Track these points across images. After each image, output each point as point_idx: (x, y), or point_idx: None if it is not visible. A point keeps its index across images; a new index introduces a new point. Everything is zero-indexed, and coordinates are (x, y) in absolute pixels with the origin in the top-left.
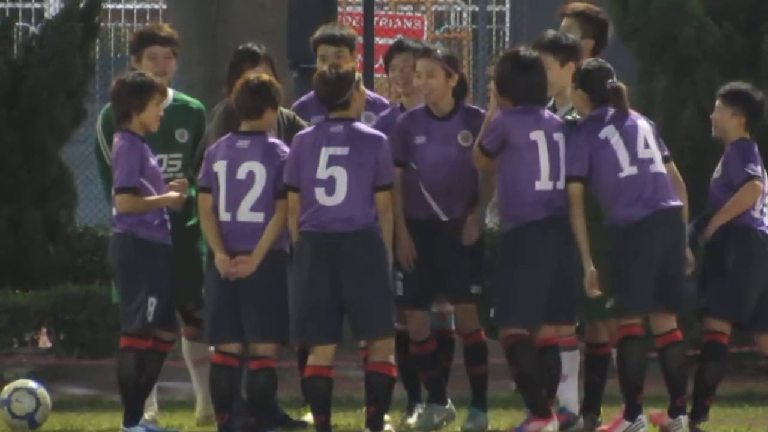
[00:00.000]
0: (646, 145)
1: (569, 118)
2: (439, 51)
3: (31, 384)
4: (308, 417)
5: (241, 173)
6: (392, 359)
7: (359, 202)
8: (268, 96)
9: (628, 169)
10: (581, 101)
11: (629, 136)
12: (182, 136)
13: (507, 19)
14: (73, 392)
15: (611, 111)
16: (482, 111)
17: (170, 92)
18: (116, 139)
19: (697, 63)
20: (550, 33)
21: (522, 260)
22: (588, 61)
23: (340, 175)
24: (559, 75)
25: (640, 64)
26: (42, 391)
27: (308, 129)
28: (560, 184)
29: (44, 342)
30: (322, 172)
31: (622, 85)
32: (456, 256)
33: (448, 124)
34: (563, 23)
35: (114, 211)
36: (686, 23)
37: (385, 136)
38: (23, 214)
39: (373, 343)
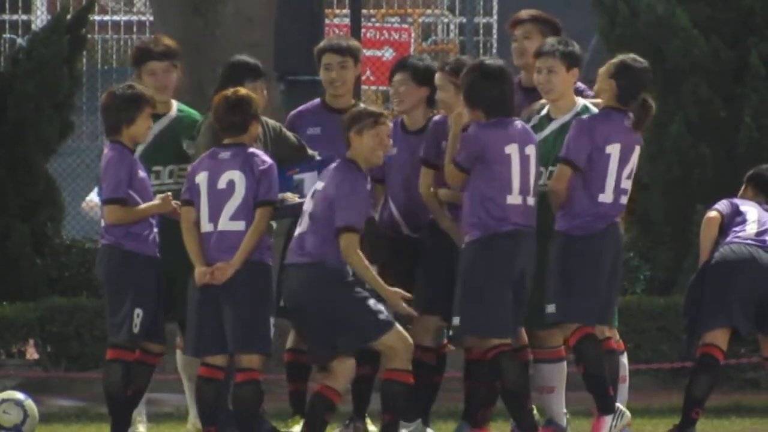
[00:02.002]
0: (629, 176)
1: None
2: (447, 66)
3: (19, 396)
4: (296, 429)
5: (222, 183)
6: (409, 366)
7: (314, 237)
8: (249, 110)
9: (609, 195)
10: (608, 92)
11: (625, 162)
12: (190, 147)
13: (494, 31)
14: (60, 404)
15: (626, 121)
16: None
17: (174, 104)
18: (105, 150)
19: (684, 76)
20: (554, 39)
21: (488, 271)
22: (633, 57)
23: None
24: (565, 80)
25: None
26: (29, 403)
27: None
28: (530, 200)
29: (31, 354)
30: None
31: (653, 103)
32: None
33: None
34: (519, 31)
35: (102, 223)
36: (673, 36)
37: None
38: (10, 227)
39: (387, 350)
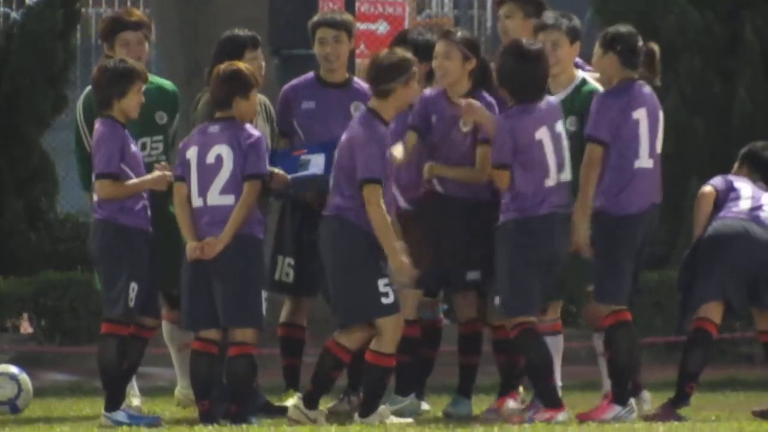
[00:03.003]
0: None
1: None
2: (459, 34)
3: (13, 369)
4: (290, 403)
5: (210, 157)
6: (393, 349)
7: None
8: (237, 85)
9: (646, 161)
10: (611, 66)
11: (654, 126)
12: (161, 118)
13: (488, 5)
14: (54, 378)
15: (642, 85)
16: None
17: None
18: (97, 125)
19: (678, 51)
20: (555, 13)
21: (523, 252)
22: (616, 26)
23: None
24: (568, 53)
25: None
26: (24, 377)
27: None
28: (564, 176)
29: (26, 328)
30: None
31: (655, 47)
32: (452, 241)
33: (457, 109)
34: (502, 10)
35: (95, 198)
36: (668, 11)
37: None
38: (4, 202)
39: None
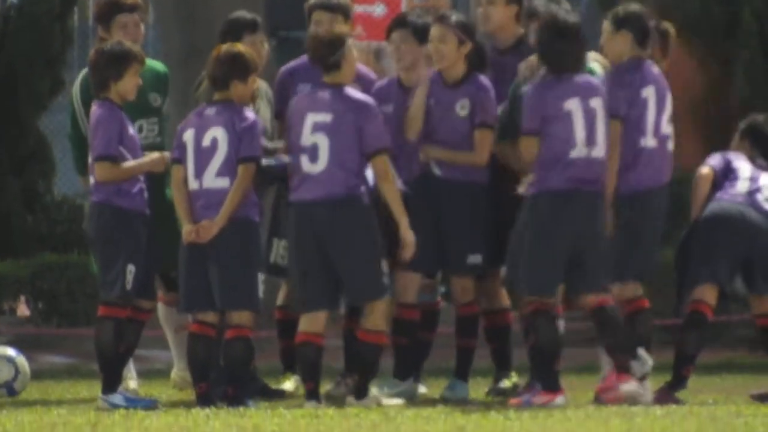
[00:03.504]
0: (669, 120)
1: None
2: (453, 17)
3: (10, 352)
4: (287, 385)
5: (206, 140)
6: (384, 326)
7: (340, 171)
8: (236, 68)
9: (650, 140)
10: (624, 44)
11: (661, 105)
12: (155, 100)
13: None
14: (51, 361)
15: (651, 64)
16: (488, 85)
17: None
18: (94, 107)
19: (676, 33)
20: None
21: (544, 227)
22: (626, 5)
23: (323, 142)
24: None
25: None
26: (21, 360)
27: (303, 93)
28: (596, 152)
29: (23, 311)
30: (306, 139)
31: (670, 27)
32: (449, 224)
33: (453, 93)
34: None
35: (91, 180)
36: None
37: (373, 102)
38: (1, 184)
39: (365, 310)
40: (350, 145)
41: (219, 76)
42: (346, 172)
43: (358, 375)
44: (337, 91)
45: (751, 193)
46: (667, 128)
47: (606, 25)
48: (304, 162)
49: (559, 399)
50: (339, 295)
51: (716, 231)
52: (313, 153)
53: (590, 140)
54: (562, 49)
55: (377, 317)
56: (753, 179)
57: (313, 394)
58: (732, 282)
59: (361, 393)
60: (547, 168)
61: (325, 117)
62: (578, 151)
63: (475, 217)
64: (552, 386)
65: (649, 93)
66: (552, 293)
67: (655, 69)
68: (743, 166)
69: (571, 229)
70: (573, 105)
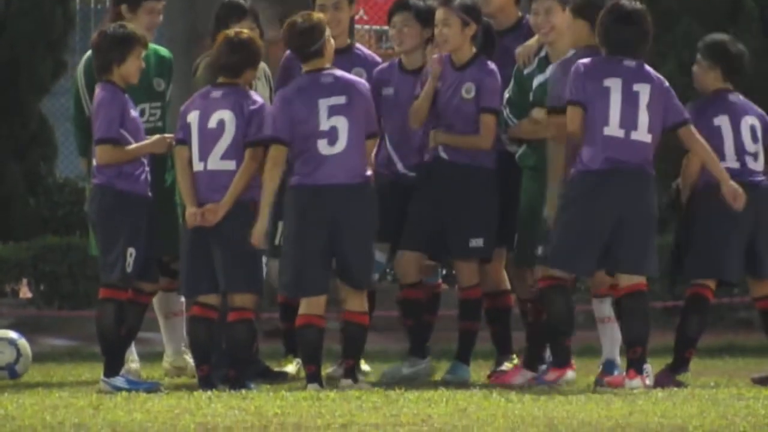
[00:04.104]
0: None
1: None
2: (457, 0)
3: (12, 335)
4: (289, 368)
5: (212, 122)
6: (366, 308)
7: (359, 152)
8: (248, 55)
9: (616, 131)
10: (581, 32)
11: (631, 99)
12: (159, 84)
13: None
14: (53, 343)
15: (625, 60)
16: (493, 68)
17: None
18: (97, 90)
19: (677, 17)
20: None
21: (578, 206)
22: None
23: (342, 124)
24: (563, 20)
25: None
26: (23, 342)
27: (290, 85)
28: (636, 134)
29: (24, 293)
30: (325, 124)
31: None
32: (454, 208)
33: (460, 75)
34: None
35: (93, 163)
36: None
37: (366, 83)
38: (3, 167)
39: (349, 293)
40: (362, 126)
41: (232, 63)
42: (361, 154)
43: (351, 357)
44: (336, 74)
45: (743, 172)
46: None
47: (567, 11)
48: (322, 146)
49: (570, 374)
50: (324, 280)
51: (717, 225)
52: (332, 136)
53: (629, 123)
54: (619, 34)
55: (363, 298)
56: (739, 151)
57: (314, 377)
58: (736, 273)
59: (352, 374)
60: (585, 146)
61: (338, 100)
62: (613, 130)
63: (478, 201)
64: (563, 362)
65: (611, 83)
66: (575, 270)
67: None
68: (726, 136)
69: (613, 208)
70: (613, 83)
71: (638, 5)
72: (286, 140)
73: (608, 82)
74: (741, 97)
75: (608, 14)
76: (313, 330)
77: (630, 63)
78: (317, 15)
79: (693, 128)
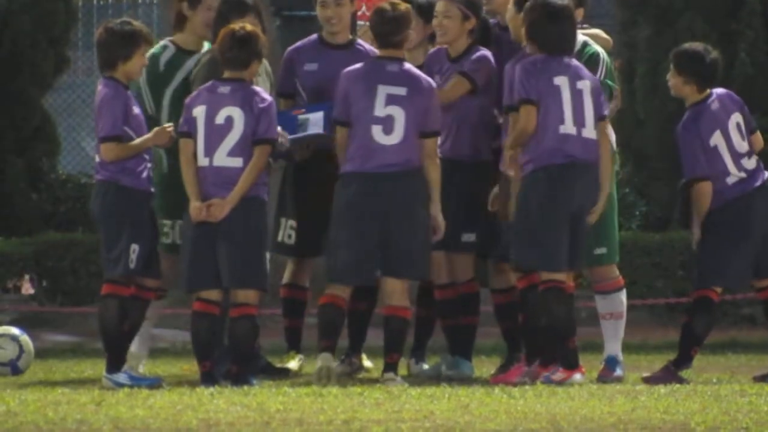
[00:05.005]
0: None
1: None
2: None
3: (14, 331)
4: (291, 364)
5: (220, 118)
6: (408, 303)
7: (413, 144)
8: (254, 48)
9: (570, 128)
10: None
11: (577, 97)
12: None
13: None
14: (55, 339)
15: (564, 58)
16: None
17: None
18: (100, 87)
19: (679, 12)
20: None
21: (540, 204)
22: None
23: (399, 114)
24: None
25: (622, 13)
26: (25, 338)
27: (356, 66)
28: (587, 132)
29: (27, 289)
30: (380, 110)
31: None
32: (447, 202)
33: (455, 66)
34: None
35: (97, 159)
36: None
37: (433, 82)
38: (6, 162)
39: (393, 287)
40: (418, 121)
41: (239, 57)
42: (415, 147)
43: (393, 351)
44: (404, 66)
45: (748, 181)
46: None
47: (510, 4)
48: (377, 133)
49: (578, 376)
50: (369, 271)
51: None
52: (388, 124)
53: (580, 121)
54: (554, 30)
55: (405, 293)
56: (733, 153)
57: (328, 349)
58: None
59: (395, 368)
60: (539, 143)
61: (399, 90)
62: (568, 128)
63: (473, 196)
64: (570, 364)
65: (560, 81)
66: (556, 268)
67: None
68: (720, 143)
69: (574, 201)
70: (562, 82)
71: (565, 1)
72: (344, 121)
73: (558, 81)
74: (718, 93)
75: (536, 12)
76: (335, 308)
77: (569, 60)
78: (405, 5)
79: (608, 125)
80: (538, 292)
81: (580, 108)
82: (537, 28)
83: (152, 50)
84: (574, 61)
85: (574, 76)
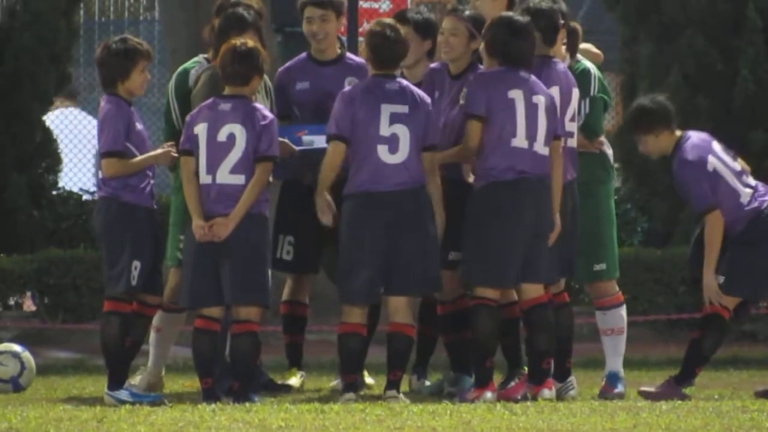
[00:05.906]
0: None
1: None
2: (467, 12)
3: (16, 347)
4: (293, 380)
5: (222, 135)
6: (413, 320)
7: (417, 160)
8: (255, 63)
9: (522, 142)
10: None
11: (564, 104)
12: None
13: None
14: (57, 356)
15: (556, 62)
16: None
17: None
18: (103, 103)
19: (681, 28)
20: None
21: (491, 219)
22: (539, 0)
23: (403, 133)
24: (561, 36)
25: (624, 29)
26: (26, 355)
27: (355, 86)
28: (538, 147)
29: (29, 306)
30: (385, 130)
31: (579, 26)
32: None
33: (457, 84)
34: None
35: (99, 175)
36: None
37: (428, 97)
38: (7, 179)
39: (398, 305)
40: (419, 137)
41: (240, 72)
42: (419, 162)
43: (397, 368)
44: (402, 83)
45: (756, 200)
46: (569, 126)
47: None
48: (382, 152)
49: (489, 394)
50: (378, 289)
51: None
52: (392, 143)
53: (532, 136)
54: (515, 46)
55: (410, 311)
56: (732, 170)
57: (352, 386)
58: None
59: (398, 386)
60: (489, 159)
61: (402, 108)
62: (520, 142)
63: (460, 215)
64: (484, 381)
65: (554, 92)
66: (501, 285)
67: (561, 66)
68: (728, 176)
69: (525, 217)
70: (517, 95)
71: (526, 18)
72: (347, 137)
73: (512, 94)
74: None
75: (500, 28)
76: (358, 339)
77: (525, 75)
78: (404, 28)
79: (560, 144)
80: (546, 310)
81: (533, 123)
82: (497, 43)
83: (184, 65)
84: (533, 77)
85: (530, 91)
